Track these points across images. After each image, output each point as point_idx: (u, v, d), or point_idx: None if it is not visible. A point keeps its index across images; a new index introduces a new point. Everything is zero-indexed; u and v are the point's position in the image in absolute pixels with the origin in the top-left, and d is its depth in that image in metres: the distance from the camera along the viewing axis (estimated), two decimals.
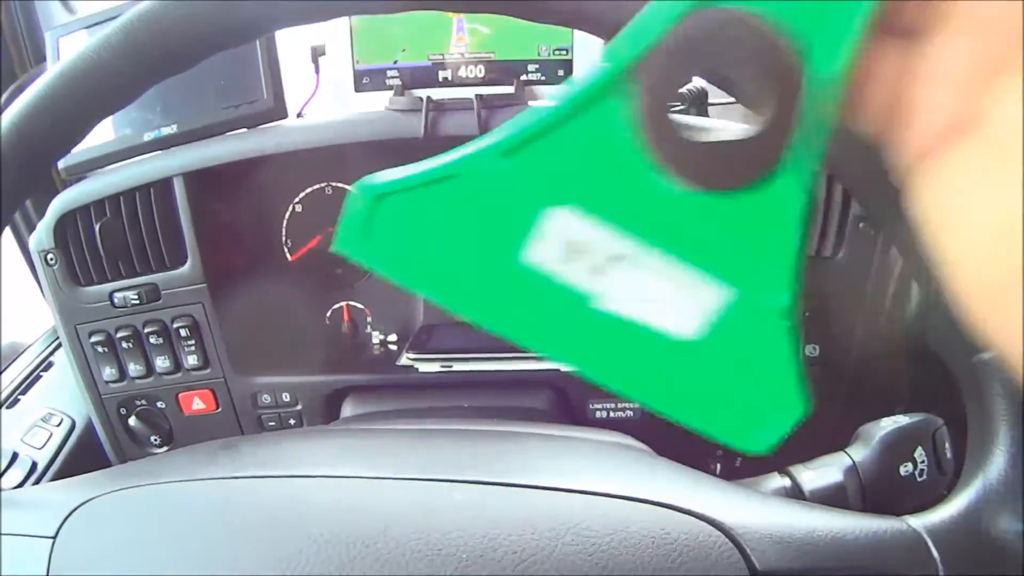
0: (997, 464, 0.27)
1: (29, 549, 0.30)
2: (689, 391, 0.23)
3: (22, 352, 0.71)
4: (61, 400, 0.66)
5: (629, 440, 0.34)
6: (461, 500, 0.27)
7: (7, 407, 0.65)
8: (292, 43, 0.61)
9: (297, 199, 0.66)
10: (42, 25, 0.63)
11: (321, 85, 0.64)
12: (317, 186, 0.66)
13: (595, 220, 0.22)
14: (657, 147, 0.20)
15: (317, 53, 0.62)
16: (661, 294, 0.22)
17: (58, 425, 0.64)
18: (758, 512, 0.29)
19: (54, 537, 0.31)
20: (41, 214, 0.57)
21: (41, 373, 0.69)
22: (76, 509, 0.32)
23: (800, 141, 0.19)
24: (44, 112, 0.30)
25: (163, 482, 0.33)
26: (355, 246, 0.23)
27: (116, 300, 0.58)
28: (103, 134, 0.58)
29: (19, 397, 0.67)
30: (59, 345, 0.70)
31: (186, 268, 0.58)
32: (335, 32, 0.60)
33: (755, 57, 0.18)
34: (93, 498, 0.33)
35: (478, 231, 0.23)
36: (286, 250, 0.67)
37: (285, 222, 0.66)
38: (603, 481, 0.29)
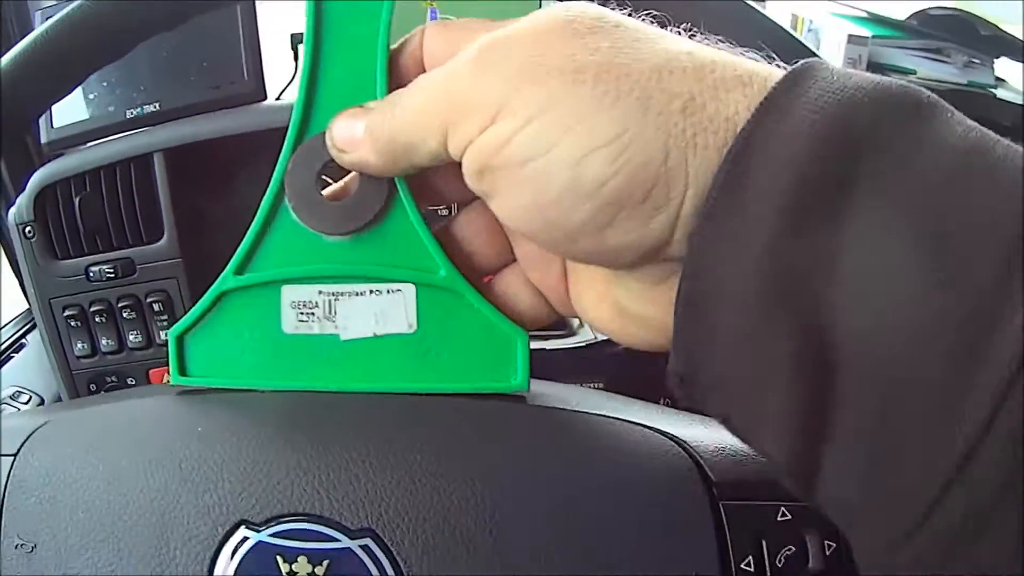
0: None
1: None
2: (440, 366, 0.29)
3: None
4: (30, 378, 0.66)
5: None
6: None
7: None
8: (273, 30, 0.63)
9: None
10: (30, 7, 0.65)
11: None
12: None
13: (306, 282, 0.29)
14: (306, 218, 0.28)
15: (296, 41, 0.64)
16: (376, 309, 0.29)
17: (27, 402, 0.64)
18: (709, 432, 0.30)
19: (15, 455, 0.32)
20: (18, 191, 0.59)
21: (12, 354, 0.69)
22: (38, 428, 0.33)
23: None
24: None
25: (128, 399, 0.33)
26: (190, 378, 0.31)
27: (92, 274, 0.59)
28: (86, 110, 0.59)
29: None
30: (32, 327, 0.71)
31: (162, 243, 0.59)
32: None
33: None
34: (54, 420, 0.33)
35: (254, 324, 0.30)
36: None
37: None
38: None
